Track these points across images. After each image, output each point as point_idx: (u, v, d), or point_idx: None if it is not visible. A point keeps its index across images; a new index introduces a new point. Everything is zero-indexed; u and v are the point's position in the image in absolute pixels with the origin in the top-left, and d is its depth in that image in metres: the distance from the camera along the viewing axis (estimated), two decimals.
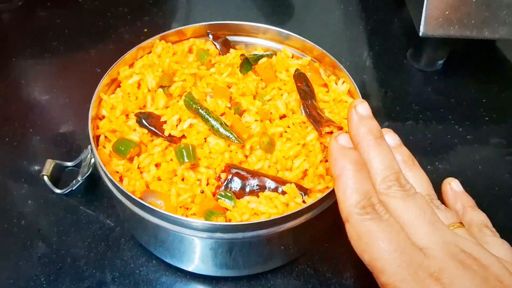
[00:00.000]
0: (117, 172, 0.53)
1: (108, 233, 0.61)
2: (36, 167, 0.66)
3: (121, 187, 0.49)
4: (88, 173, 0.59)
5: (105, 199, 0.64)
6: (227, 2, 0.93)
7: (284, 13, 0.91)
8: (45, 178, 0.62)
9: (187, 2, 0.92)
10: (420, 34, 0.69)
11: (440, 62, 0.80)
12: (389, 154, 0.43)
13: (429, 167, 0.68)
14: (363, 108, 0.45)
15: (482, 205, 0.61)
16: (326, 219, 0.53)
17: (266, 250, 0.53)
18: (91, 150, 0.54)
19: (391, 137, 0.47)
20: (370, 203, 0.40)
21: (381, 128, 0.45)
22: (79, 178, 0.60)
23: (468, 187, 0.62)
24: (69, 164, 0.65)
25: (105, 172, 0.50)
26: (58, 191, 0.62)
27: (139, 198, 0.49)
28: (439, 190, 0.63)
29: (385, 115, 0.74)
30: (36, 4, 0.89)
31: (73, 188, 0.62)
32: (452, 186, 0.50)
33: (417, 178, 0.45)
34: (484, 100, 0.77)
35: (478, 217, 0.47)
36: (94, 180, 0.63)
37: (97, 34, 0.84)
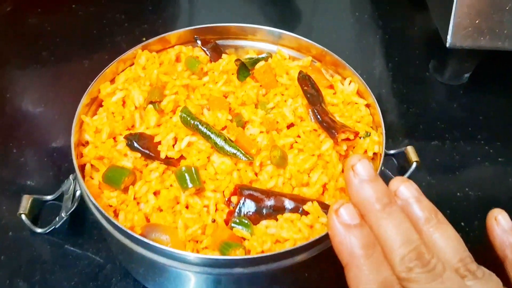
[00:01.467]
0: (111, 206, 0.46)
1: (98, 270, 0.54)
2: (16, 199, 0.58)
3: (117, 224, 0.42)
4: (73, 208, 0.52)
5: (94, 231, 0.56)
6: (232, 7, 0.85)
7: (291, 19, 0.84)
8: (23, 217, 0.55)
9: (190, 8, 0.84)
10: (447, 45, 0.63)
11: (467, 75, 0.73)
12: (403, 223, 0.35)
13: (458, 194, 0.62)
14: (363, 167, 0.36)
15: None
16: None
17: (291, 281, 0.46)
18: (78, 182, 0.47)
19: (407, 189, 0.37)
20: None
21: (399, 178, 0.37)
22: (62, 215, 0.53)
23: None
24: (48, 198, 0.58)
25: (97, 208, 0.43)
26: (39, 230, 0.55)
27: (141, 234, 0.42)
28: (470, 220, 0.58)
29: (407, 134, 0.68)
30: (26, 10, 0.81)
31: (56, 226, 0.54)
32: (500, 221, 0.39)
33: (445, 239, 0.36)
34: None
35: None
36: (79, 212, 0.55)
37: (91, 43, 0.76)
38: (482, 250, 0.57)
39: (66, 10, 0.81)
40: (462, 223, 0.58)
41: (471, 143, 0.67)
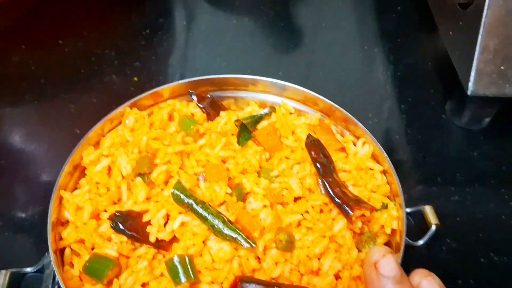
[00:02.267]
0: None
1: None
2: None
3: None
4: None
5: None
6: (231, 40, 0.79)
7: (294, 56, 0.78)
8: None
9: (185, 42, 0.78)
10: (469, 93, 0.57)
11: (488, 119, 0.67)
12: None
13: (482, 260, 0.56)
14: (388, 265, 0.33)
15: None
16: None
17: None
18: (56, 273, 0.41)
19: (429, 284, 0.36)
20: None
21: (421, 272, 0.36)
22: None
23: None
24: (28, 270, 0.52)
25: None
26: None
27: None
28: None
29: (423, 187, 0.62)
30: (9, 47, 0.75)
31: None
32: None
33: None
34: None
35: None
36: None
37: (78, 84, 0.71)
38: None
39: (51, 45, 0.75)
40: None
41: (494, 198, 0.61)
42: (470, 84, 0.58)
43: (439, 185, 0.62)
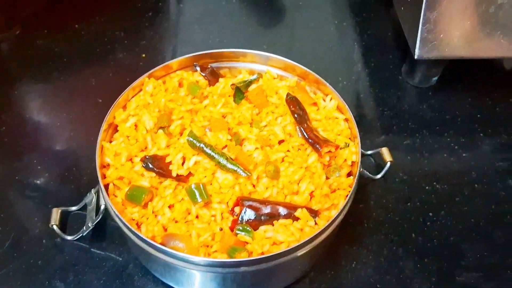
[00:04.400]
0: (133, 219, 0.55)
1: (122, 270, 0.63)
2: (44, 210, 0.66)
3: (142, 236, 0.51)
4: (99, 219, 0.60)
5: (115, 236, 0.65)
6: (219, 13, 0.93)
7: (276, 25, 0.92)
8: (55, 227, 0.63)
9: (182, 23, 0.91)
10: (415, 56, 0.71)
11: (435, 78, 0.81)
12: None
13: (427, 187, 0.70)
14: None
15: (480, 224, 0.67)
16: (334, 235, 0.56)
17: (286, 273, 0.56)
18: (105, 201, 0.55)
19: None
20: None
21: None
22: (89, 224, 0.61)
23: (466, 207, 0.64)
24: (73, 208, 0.66)
25: (123, 222, 0.52)
26: (68, 237, 0.63)
27: (161, 243, 0.51)
28: (437, 210, 0.66)
29: (382, 135, 0.76)
30: (34, 32, 0.87)
31: (84, 234, 0.63)
32: None
33: None
34: (478, 116, 0.78)
35: None
36: (100, 219, 0.64)
37: (96, 62, 0.83)
38: (446, 236, 0.66)
39: (70, 30, 0.88)
40: (430, 213, 0.68)
41: (439, 141, 0.75)
42: (417, 50, 0.72)
43: (394, 133, 0.77)
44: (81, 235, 0.63)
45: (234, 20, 0.92)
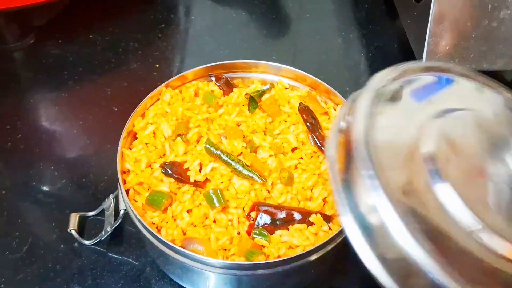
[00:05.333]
0: (153, 223, 0.57)
1: (139, 273, 0.65)
2: (62, 215, 0.68)
3: (163, 239, 0.53)
4: (118, 224, 0.62)
5: (132, 240, 0.67)
6: (229, 25, 0.95)
7: (284, 37, 0.95)
8: (73, 232, 0.65)
9: (194, 35, 0.93)
10: None
11: None
12: None
13: None
14: None
15: None
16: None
17: (301, 277, 0.58)
18: (127, 205, 0.57)
19: None
20: None
21: None
22: (108, 229, 0.63)
23: None
24: (91, 214, 0.68)
25: (144, 226, 0.54)
26: (87, 242, 0.65)
27: (181, 246, 0.53)
28: None
29: None
30: (48, 41, 0.89)
31: (102, 239, 0.65)
32: None
33: None
34: None
35: None
36: (117, 225, 0.66)
37: (110, 71, 0.85)
38: None
39: (83, 40, 0.90)
40: None
41: None
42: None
43: None
44: (99, 239, 0.65)
45: (244, 32, 0.95)
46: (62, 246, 0.66)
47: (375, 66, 0.90)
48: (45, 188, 0.72)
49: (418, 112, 0.48)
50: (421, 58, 0.75)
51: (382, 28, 0.96)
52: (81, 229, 0.68)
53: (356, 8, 0.99)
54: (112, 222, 0.64)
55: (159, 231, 0.56)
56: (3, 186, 0.72)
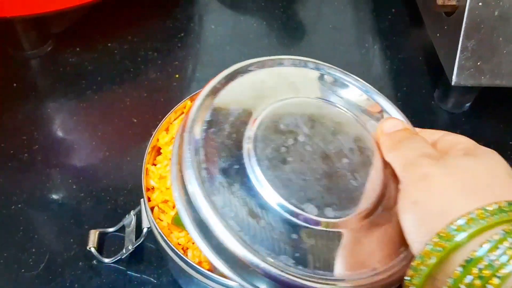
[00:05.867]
0: (179, 244, 0.54)
1: None
2: (80, 231, 0.66)
3: (190, 261, 0.50)
4: (140, 242, 0.60)
5: (152, 258, 0.65)
6: (249, 35, 0.93)
7: (303, 47, 0.93)
8: (93, 250, 0.63)
9: (214, 44, 0.91)
10: (452, 83, 0.71)
11: (468, 104, 0.82)
12: None
13: None
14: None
15: None
16: None
17: None
18: (152, 225, 0.55)
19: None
20: None
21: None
22: (129, 247, 0.61)
23: None
24: (110, 230, 0.66)
25: (170, 247, 0.52)
26: (106, 260, 0.63)
27: (208, 270, 0.51)
28: None
29: None
30: (66, 49, 0.87)
31: (122, 257, 0.62)
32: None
33: None
34: (511, 142, 0.79)
35: None
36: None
37: (129, 81, 0.83)
38: None
39: (102, 48, 0.88)
40: None
41: None
42: (454, 77, 0.72)
43: None
44: (119, 257, 0.63)
45: (264, 42, 0.93)
46: (80, 263, 0.64)
47: (400, 79, 0.87)
48: (62, 202, 0.70)
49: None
50: (451, 72, 0.72)
51: (407, 39, 0.94)
52: (100, 245, 0.66)
53: (379, 19, 0.97)
54: (134, 240, 0.62)
55: (185, 252, 0.54)
56: (20, 199, 0.70)
